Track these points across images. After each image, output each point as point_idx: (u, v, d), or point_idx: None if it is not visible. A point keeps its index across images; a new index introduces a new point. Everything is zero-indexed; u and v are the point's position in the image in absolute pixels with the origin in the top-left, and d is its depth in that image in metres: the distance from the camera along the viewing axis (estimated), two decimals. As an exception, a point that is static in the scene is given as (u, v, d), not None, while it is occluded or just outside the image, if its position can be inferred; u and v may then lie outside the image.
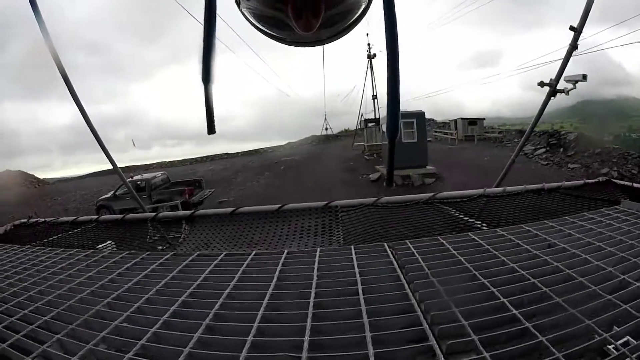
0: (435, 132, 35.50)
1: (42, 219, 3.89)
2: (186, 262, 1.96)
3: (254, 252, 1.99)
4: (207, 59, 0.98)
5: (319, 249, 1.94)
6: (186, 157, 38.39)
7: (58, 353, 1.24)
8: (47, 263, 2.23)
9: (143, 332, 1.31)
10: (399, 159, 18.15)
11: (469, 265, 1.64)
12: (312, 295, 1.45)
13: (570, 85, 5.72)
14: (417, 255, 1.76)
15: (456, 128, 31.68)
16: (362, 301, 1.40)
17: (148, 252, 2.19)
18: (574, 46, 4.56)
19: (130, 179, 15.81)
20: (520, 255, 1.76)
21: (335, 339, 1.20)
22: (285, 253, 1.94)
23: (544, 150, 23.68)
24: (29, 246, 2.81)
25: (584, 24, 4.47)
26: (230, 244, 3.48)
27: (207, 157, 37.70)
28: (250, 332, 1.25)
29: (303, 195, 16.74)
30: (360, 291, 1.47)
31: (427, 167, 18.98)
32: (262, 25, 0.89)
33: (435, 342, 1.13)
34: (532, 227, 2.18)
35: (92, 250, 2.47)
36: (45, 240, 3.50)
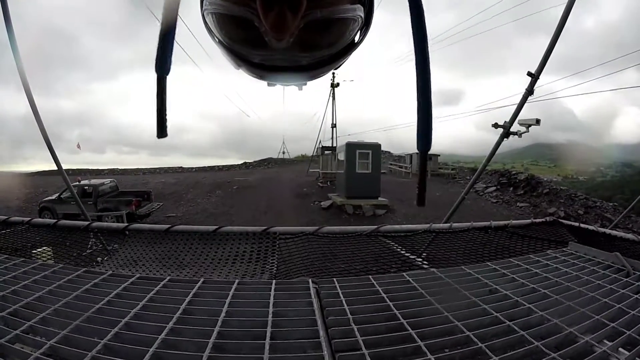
0: (391, 164, 36.39)
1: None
2: (95, 281, 1.72)
3: (167, 278, 1.80)
4: (164, 46, 0.81)
5: (236, 282, 1.77)
6: (139, 167, 37.31)
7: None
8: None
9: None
10: (351, 188, 18.49)
11: (397, 312, 1.49)
12: (214, 334, 1.28)
13: (523, 129, 5.95)
14: (342, 295, 1.62)
15: (411, 162, 32.52)
16: (267, 337, 1.25)
17: (85, 269, 1.95)
18: (529, 91, 4.78)
19: (76, 183, 15.28)
20: (457, 303, 1.63)
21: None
22: (200, 282, 1.76)
23: (494, 188, 24.82)
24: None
25: (541, 71, 4.69)
26: (160, 263, 3.28)
27: (161, 168, 36.84)
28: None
29: (253, 216, 16.61)
30: (268, 334, 1.30)
31: (380, 198, 19.29)
32: (226, 37, 0.67)
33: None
34: (474, 269, 2.07)
35: (22, 259, 2.16)
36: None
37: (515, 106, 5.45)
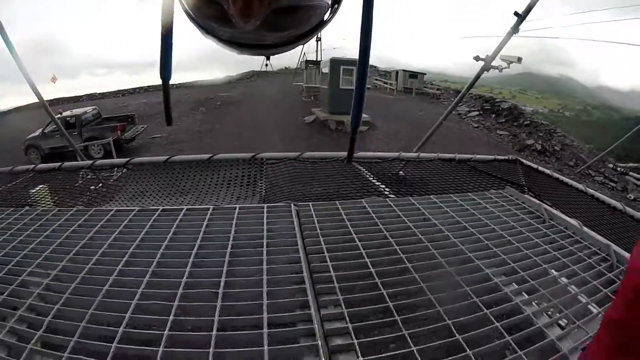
0: (376, 79, 35.83)
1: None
2: (129, 217, 2.32)
3: (185, 208, 2.40)
4: (165, 55, 1.02)
5: (237, 207, 2.38)
6: (118, 89, 36.12)
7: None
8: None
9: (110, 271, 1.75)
10: (335, 104, 18.61)
11: (351, 229, 2.14)
12: (228, 251, 1.89)
13: (504, 64, 6.17)
14: (315, 218, 2.25)
15: (396, 79, 32.21)
16: (264, 253, 1.87)
17: (95, 209, 2.49)
18: (515, 30, 4.92)
19: (59, 115, 14.81)
20: (396, 226, 2.22)
21: (243, 279, 1.68)
22: (211, 209, 2.37)
23: (477, 113, 24.95)
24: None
25: (528, 12, 4.81)
26: (165, 192, 3.80)
27: (141, 88, 35.82)
28: (184, 275, 1.69)
29: (238, 133, 16.69)
30: (264, 244, 1.94)
31: (363, 114, 19.51)
32: (194, 11, 0.68)
33: (310, 286, 1.64)
34: (418, 201, 2.61)
35: (27, 209, 2.58)
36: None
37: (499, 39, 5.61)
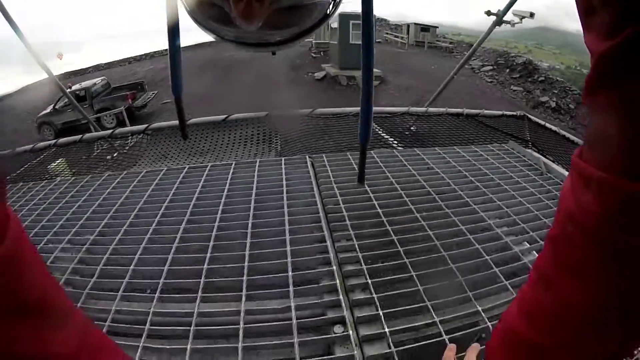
0: (387, 33, 34.94)
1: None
2: (159, 176, 2.54)
3: (210, 165, 2.61)
4: (175, 72, 1.07)
5: (258, 161, 2.59)
6: (123, 57, 35.78)
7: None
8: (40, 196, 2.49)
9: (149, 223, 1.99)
10: (345, 59, 18.39)
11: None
12: (253, 199, 2.12)
13: (517, 19, 6.06)
14: (328, 168, 2.46)
15: (408, 33, 31.38)
16: (285, 199, 2.09)
17: (126, 172, 2.71)
18: None
19: (69, 90, 14.62)
20: (402, 174, 2.41)
21: (267, 228, 1.90)
22: (233, 164, 2.59)
23: (490, 67, 24.31)
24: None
25: None
26: (186, 153, 4.01)
27: (147, 54, 35.55)
28: (215, 221, 1.93)
29: (247, 93, 16.56)
30: (284, 192, 2.17)
31: (374, 69, 19.22)
32: (201, 18, 0.70)
33: (326, 225, 1.87)
34: (422, 151, 2.77)
35: (60, 179, 2.77)
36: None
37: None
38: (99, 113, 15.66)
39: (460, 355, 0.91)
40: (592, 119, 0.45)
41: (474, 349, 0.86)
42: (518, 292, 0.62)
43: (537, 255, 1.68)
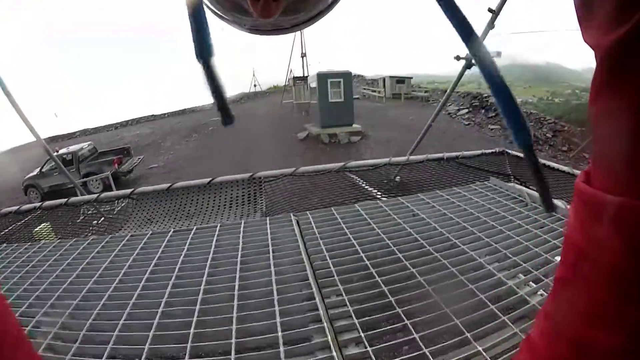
0: (364, 89, 35.97)
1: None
2: (144, 240, 2.53)
3: (195, 228, 2.62)
4: (197, 25, 0.88)
5: (243, 222, 2.61)
6: (110, 123, 36.36)
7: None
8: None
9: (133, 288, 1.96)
10: (326, 118, 18.84)
11: (347, 231, 2.37)
12: (239, 260, 2.12)
13: None
14: (313, 224, 2.48)
15: (384, 86, 32.35)
16: (271, 259, 2.09)
17: (111, 236, 2.71)
18: (490, 26, 5.08)
19: (55, 154, 14.76)
20: (388, 223, 2.45)
21: (255, 288, 1.88)
22: (218, 227, 2.59)
23: (466, 110, 25.17)
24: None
25: (501, 8, 4.97)
26: (171, 217, 4.00)
27: (133, 120, 36.14)
28: (201, 284, 1.91)
29: (233, 155, 16.80)
30: (270, 251, 2.16)
31: (354, 125, 19.74)
32: (218, 8, 0.65)
33: (314, 282, 1.86)
34: (406, 199, 2.83)
35: (44, 242, 2.77)
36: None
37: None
38: (86, 177, 15.73)
39: None
40: (600, 131, 0.38)
41: None
42: (524, 343, 0.51)
43: (532, 285, 1.74)
